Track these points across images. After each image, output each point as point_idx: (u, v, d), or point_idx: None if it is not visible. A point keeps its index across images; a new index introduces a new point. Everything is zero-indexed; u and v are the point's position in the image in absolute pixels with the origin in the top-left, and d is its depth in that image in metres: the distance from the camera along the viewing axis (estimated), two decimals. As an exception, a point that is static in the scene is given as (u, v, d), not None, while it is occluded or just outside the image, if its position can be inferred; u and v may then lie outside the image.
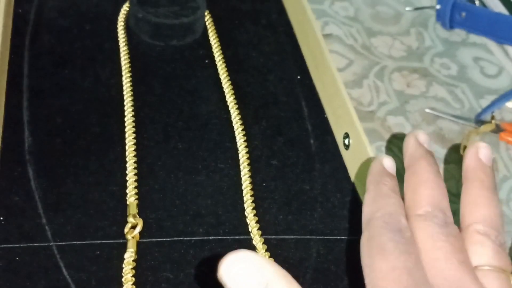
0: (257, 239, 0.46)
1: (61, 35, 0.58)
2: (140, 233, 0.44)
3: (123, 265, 0.42)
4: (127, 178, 0.48)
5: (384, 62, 0.65)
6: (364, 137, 0.48)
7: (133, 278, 0.42)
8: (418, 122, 0.59)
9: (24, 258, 0.42)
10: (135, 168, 0.48)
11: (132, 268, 0.42)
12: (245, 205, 0.48)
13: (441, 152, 0.57)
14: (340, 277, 0.45)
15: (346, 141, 0.51)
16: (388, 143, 0.57)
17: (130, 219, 0.45)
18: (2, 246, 0.42)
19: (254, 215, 0.47)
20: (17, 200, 0.45)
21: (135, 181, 0.47)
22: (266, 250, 0.45)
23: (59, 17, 0.60)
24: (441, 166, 0.56)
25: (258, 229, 0.46)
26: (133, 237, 0.44)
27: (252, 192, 0.48)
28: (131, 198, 0.46)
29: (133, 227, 0.44)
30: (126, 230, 0.44)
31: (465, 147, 0.57)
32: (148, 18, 0.58)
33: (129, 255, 0.43)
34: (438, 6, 0.70)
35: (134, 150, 0.49)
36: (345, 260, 0.46)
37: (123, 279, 0.42)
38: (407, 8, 0.73)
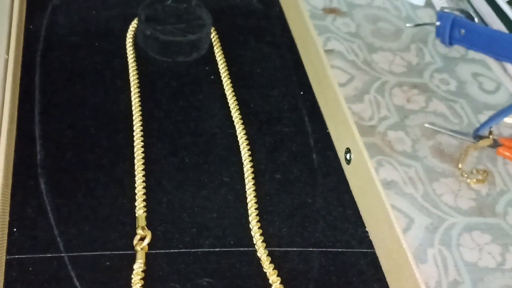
0: (261, 251, 0.47)
1: (72, 52, 0.60)
2: (148, 244, 0.46)
3: (132, 276, 0.44)
4: (136, 192, 0.49)
5: (385, 77, 0.67)
6: (365, 152, 0.50)
7: (142, 288, 0.44)
8: (418, 137, 0.61)
9: (36, 268, 0.44)
10: (143, 182, 0.50)
11: (141, 279, 0.44)
12: (250, 218, 0.49)
13: (440, 166, 0.58)
14: (342, 288, 0.46)
15: (348, 156, 0.53)
16: (388, 157, 0.58)
17: (139, 231, 0.46)
18: (16, 256, 0.44)
19: (259, 227, 0.49)
20: (30, 212, 0.47)
21: (144, 194, 0.49)
22: (270, 262, 0.47)
23: (69, 34, 0.61)
24: (441, 180, 0.57)
25: (262, 241, 0.48)
26: (142, 249, 0.45)
27: (256, 205, 0.50)
28: (140, 210, 0.48)
29: (142, 239, 0.46)
30: (135, 241, 0.46)
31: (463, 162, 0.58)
32: (156, 35, 0.60)
33: (138, 266, 0.44)
34: (438, 23, 0.72)
35: (143, 164, 0.51)
36: (346, 272, 0.47)
37: (132, 289, 0.43)
38: (408, 25, 0.74)
